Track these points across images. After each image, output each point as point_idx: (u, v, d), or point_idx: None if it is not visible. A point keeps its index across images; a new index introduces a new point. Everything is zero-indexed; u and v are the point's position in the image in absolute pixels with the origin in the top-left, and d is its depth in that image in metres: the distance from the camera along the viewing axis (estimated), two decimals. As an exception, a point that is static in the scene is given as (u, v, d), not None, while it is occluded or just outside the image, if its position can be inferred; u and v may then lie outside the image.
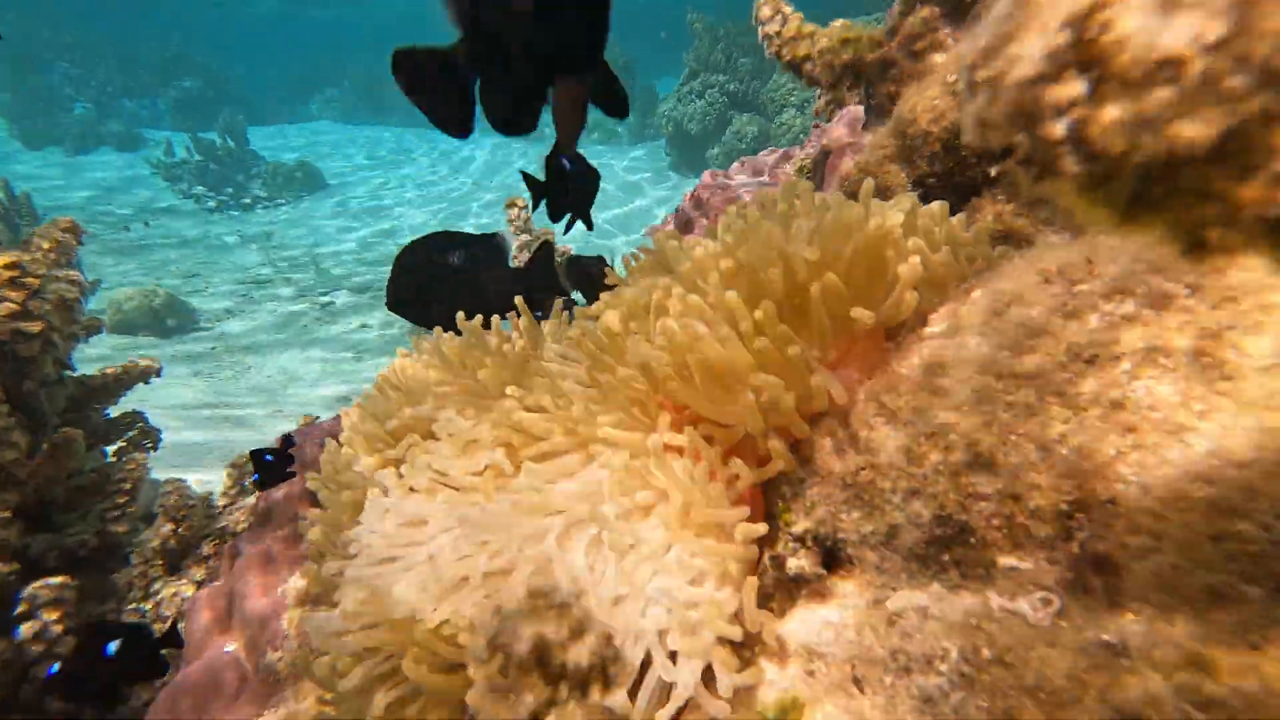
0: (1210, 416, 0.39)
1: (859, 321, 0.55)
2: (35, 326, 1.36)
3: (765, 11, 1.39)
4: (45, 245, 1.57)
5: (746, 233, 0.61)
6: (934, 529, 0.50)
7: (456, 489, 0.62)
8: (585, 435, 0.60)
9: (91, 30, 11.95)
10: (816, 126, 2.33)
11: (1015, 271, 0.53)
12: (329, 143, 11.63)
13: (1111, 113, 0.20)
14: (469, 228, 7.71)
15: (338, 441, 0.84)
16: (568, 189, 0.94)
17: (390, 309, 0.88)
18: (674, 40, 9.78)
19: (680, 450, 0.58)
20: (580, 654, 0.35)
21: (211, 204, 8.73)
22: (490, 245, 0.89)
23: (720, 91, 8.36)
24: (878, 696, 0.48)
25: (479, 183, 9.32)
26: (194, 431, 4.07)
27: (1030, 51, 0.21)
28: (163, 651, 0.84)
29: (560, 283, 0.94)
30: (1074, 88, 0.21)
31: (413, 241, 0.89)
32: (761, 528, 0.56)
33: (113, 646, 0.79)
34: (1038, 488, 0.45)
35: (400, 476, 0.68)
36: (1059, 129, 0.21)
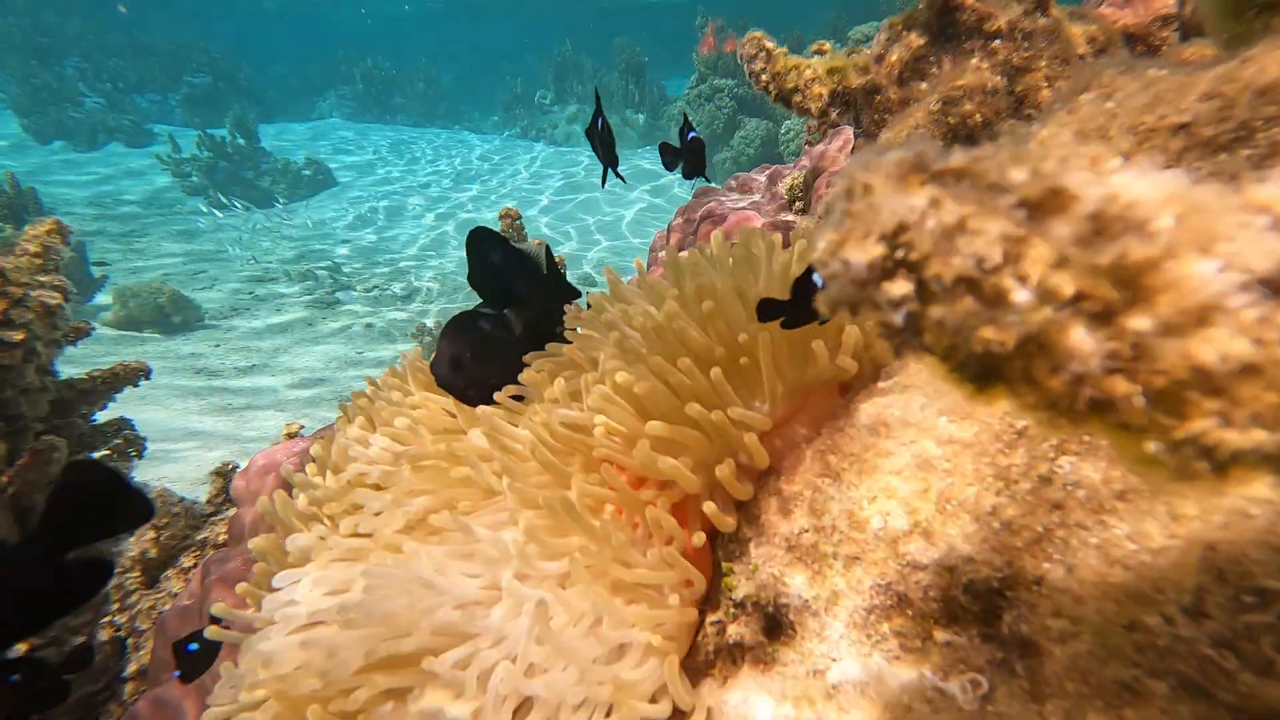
0: (1129, 498, 0.38)
1: (813, 372, 0.55)
2: (17, 335, 1.36)
3: (749, 49, 1.40)
4: (31, 249, 1.57)
5: (701, 287, 0.61)
6: (873, 597, 0.50)
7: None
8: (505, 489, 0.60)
9: (103, 25, 12.06)
10: (809, 144, 2.32)
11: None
12: (339, 141, 11.70)
13: (936, 312, 0.23)
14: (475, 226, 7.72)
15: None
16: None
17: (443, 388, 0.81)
18: (684, 39, 9.76)
19: (617, 509, 0.58)
20: None
21: (219, 201, 8.79)
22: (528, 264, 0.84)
23: (729, 95, 8.34)
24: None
25: (487, 184, 9.35)
26: (202, 419, 4.09)
27: (858, 256, 0.24)
28: (66, 677, 0.82)
29: (570, 286, 0.93)
30: (902, 287, 0.24)
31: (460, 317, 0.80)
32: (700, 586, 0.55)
33: (14, 677, 0.78)
34: (971, 560, 0.45)
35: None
36: (897, 318, 0.24)
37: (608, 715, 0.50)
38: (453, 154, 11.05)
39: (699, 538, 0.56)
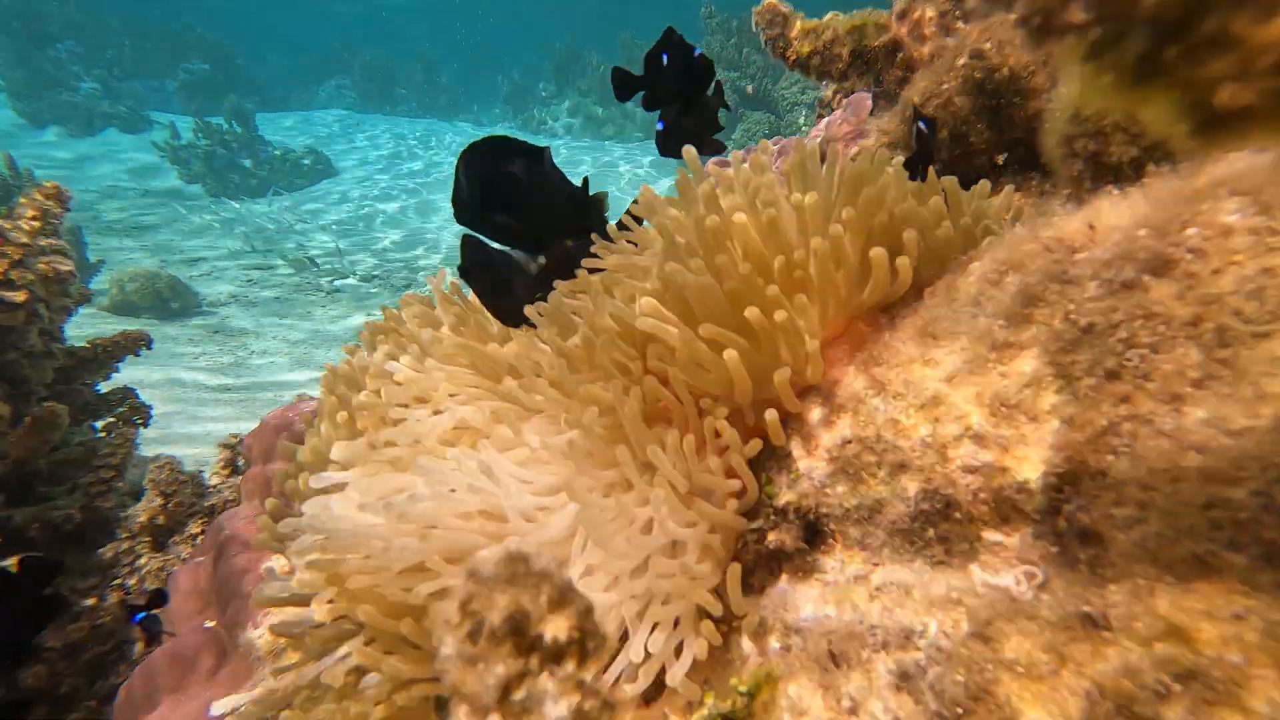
0: (1206, 385, 0.37)
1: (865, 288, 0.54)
2: (19, 296, 1.33)
3: (765, 16, 1.38)
4: (29, 213, 1.54)
5: (758, 193, 0.59)
6: (919, 504, 0.49)
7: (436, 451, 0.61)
8: (567, 396, 0.59)
9: (100, 8, 11.93)
10: (820, 117, 2.30)
11: (1016, 240, 0.52)
12: (339, 130, 11.61)
13: None
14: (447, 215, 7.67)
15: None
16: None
17: (461, 222, 0.80)
18: (688, 32, 9.71)
19: (668, 419, 0.57)
20: (559, 627, 0.34)
21: (218, 188, 8.73)
22: (545, 159, 0.81)
23: (731, 88, 8.30)
24: (853, 672, 0.47)
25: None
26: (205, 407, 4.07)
27: None
28: (48, 591, 0.81)
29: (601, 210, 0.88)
30: None
31: (472, 147, 0.80)
32: (750, 495, 0.55)
33: None
34: (1027, 460, 0.44)
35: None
36: None
37: (664, 603, 0.49)
38: (455, 145, 10.97)
39: (754, 445, 0.55)
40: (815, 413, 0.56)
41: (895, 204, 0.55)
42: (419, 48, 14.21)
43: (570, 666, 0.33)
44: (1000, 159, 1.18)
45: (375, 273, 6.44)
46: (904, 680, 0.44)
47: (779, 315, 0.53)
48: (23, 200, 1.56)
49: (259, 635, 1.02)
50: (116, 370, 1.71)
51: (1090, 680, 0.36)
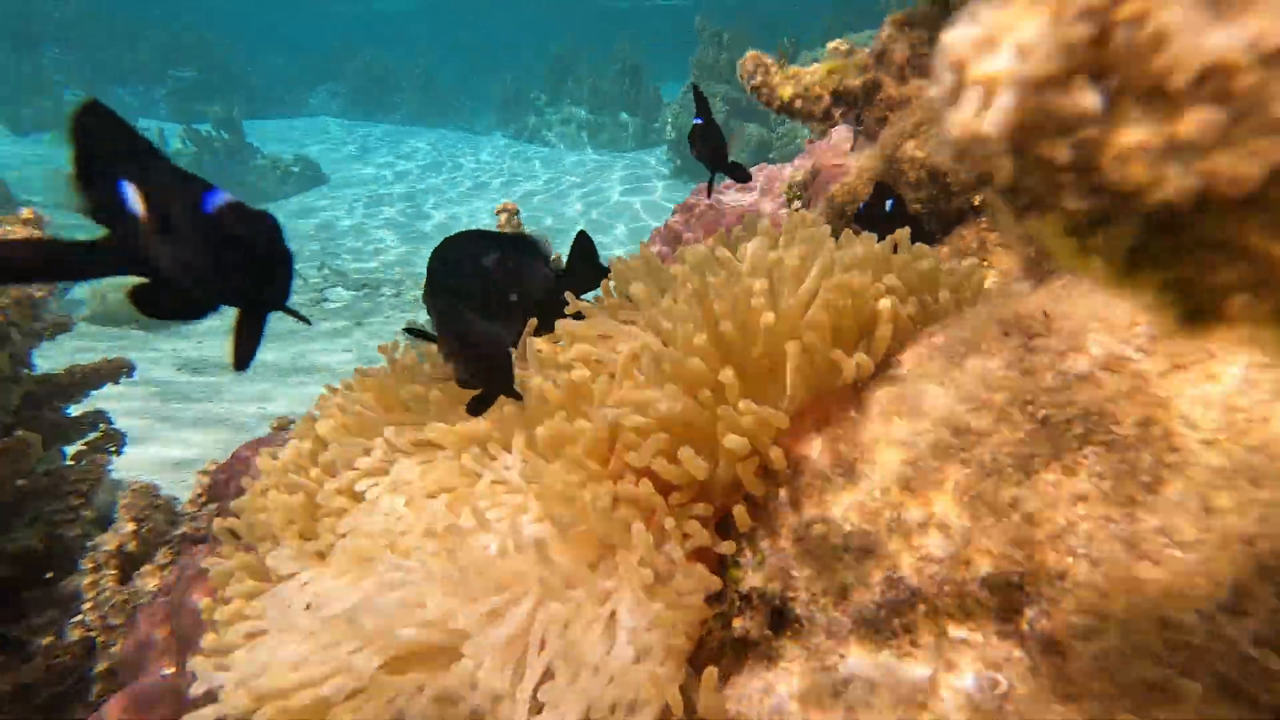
0: (1158, 489, 0.37)
1: (836, 370, 0.53)
2: None
3: (749, 66, 1.40)
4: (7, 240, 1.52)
5: (721, 286, 0.58)
6: (885, 592, 0.48)
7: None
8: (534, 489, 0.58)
9: (84, 13, 11.82)
10: (810, 143, 2.32)
11: (976, 319, 0.51)
12: (329, 138, 11.56)
13: (1134, 135, 0.15)
14: (472, 225, 7.67)
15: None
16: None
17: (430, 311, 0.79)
18: (681, 43, 9.79)
19: (635, 503, 0.55)
20: None
21: (204, 196, 8.63)
22: (526, 245, 0.81)
23: (724, 100, 8.36)
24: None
25: (479, 182, 9.29)
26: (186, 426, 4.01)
27: (1037, 46, 0.16)
28: None
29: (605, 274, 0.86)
30: (1086, 99, 0.15)
31: (446, 240, 0.81)
32: (712, 584, 0.54)
33: None
34: (989, 554, 0.43)
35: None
36: (1063, 152, 0.16)
37: (631, 714, 0.47)
38: (448, 151, 10.96)
39: (728, 546, 0.54)
40: (782, 492, 0.55)
41: (863, 285, 0.55)
42: (412, 54, 14.21)
43: None
44: (977, 200, 1.19)
45: (365, 285, 6.40)
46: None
47: (745, 412, 0.52)
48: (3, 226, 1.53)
49: (219, 686, 0.99)
50: (88, 395, 1.67)
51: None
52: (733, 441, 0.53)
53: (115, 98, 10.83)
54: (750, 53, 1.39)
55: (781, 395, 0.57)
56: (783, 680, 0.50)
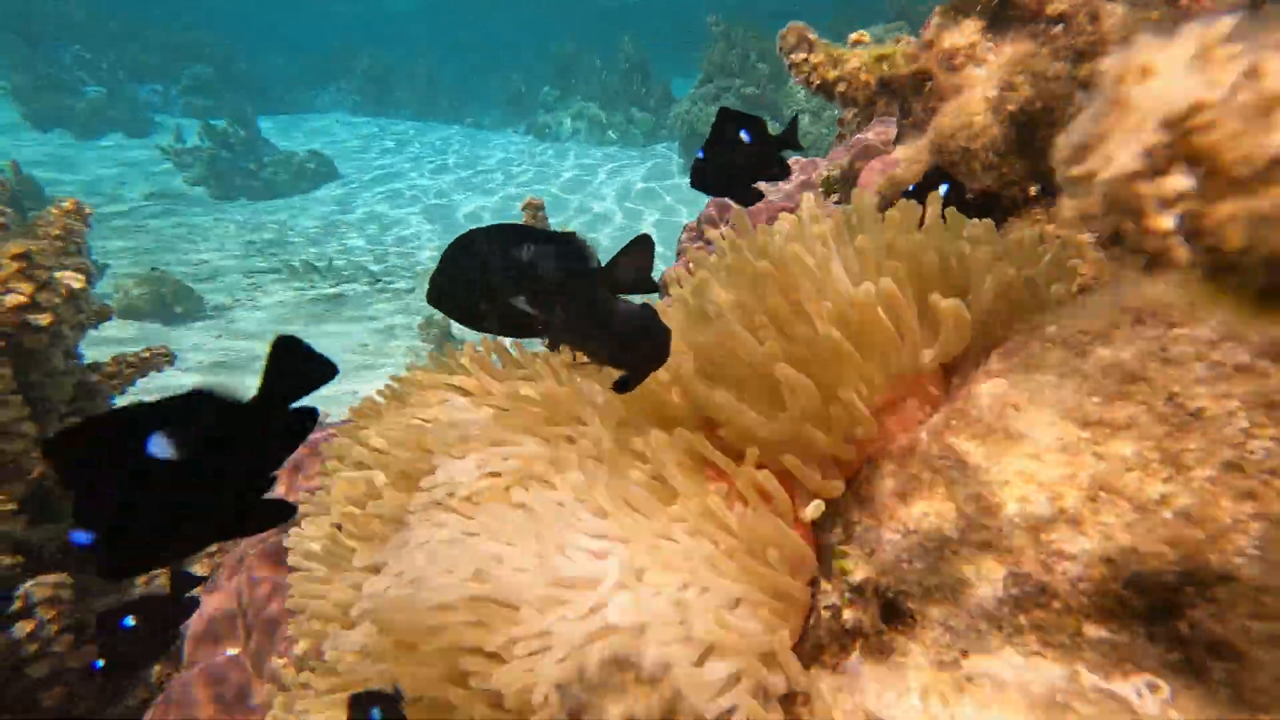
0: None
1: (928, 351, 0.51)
2: (44, 319, 1.33)
3: (790, 39, 1.36)
4: (53, 232, 1.53)
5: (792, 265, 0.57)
6: (1009, 588, 0.46)
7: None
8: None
9: (103, 12, 11.93)
10: (841, 136, 2.28)
11: (1098, 308, 0.49)
12: (342, 134, 11.61)
13: (1225, 208, 0.20)
14: (464, 219, 7.68)
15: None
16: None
17: (430, 303, 0.71)
18: (690, 39, 9.72)
19: (730, 484, 0.54)
20: None
21: (223, 192, 8.72)
22: (569, 245, 0.74)
23: (735, 95, 8.31)
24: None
25: (494, 177, 9.30)
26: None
27: (1126, 148, 0.21)
28: (188, 595, 0.80)
29: (652, 281, 0.78)
30: (1180, 182, 0.20)
31: (472, 231, 0.73)
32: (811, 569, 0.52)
33: (130, 620, 0.76)
34: (1134, 552, 0.41)
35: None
36: (1167, 221, 0.21)
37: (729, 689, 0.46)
38: (462, 150, 10.98)
39: (816, 507, 0.52)
40: (888, 482, 0.53)
41: (949, 252, 0.53)
42: (418, 52, 14.24)
43: None
44: (1033, 190, 1.16)
45: (381, 278, 6.43)
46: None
47: (839, 383, 0.50)
48: (44, 218, 1.54)
49: (283, 664, 1.00)
50: (134, 384, 1.69)
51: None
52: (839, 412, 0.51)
53: (133, 94, 10.93)
54: (793, 24, 1.34)
55: (871, 380, 0.55)
56: (898, 675, 0.48)
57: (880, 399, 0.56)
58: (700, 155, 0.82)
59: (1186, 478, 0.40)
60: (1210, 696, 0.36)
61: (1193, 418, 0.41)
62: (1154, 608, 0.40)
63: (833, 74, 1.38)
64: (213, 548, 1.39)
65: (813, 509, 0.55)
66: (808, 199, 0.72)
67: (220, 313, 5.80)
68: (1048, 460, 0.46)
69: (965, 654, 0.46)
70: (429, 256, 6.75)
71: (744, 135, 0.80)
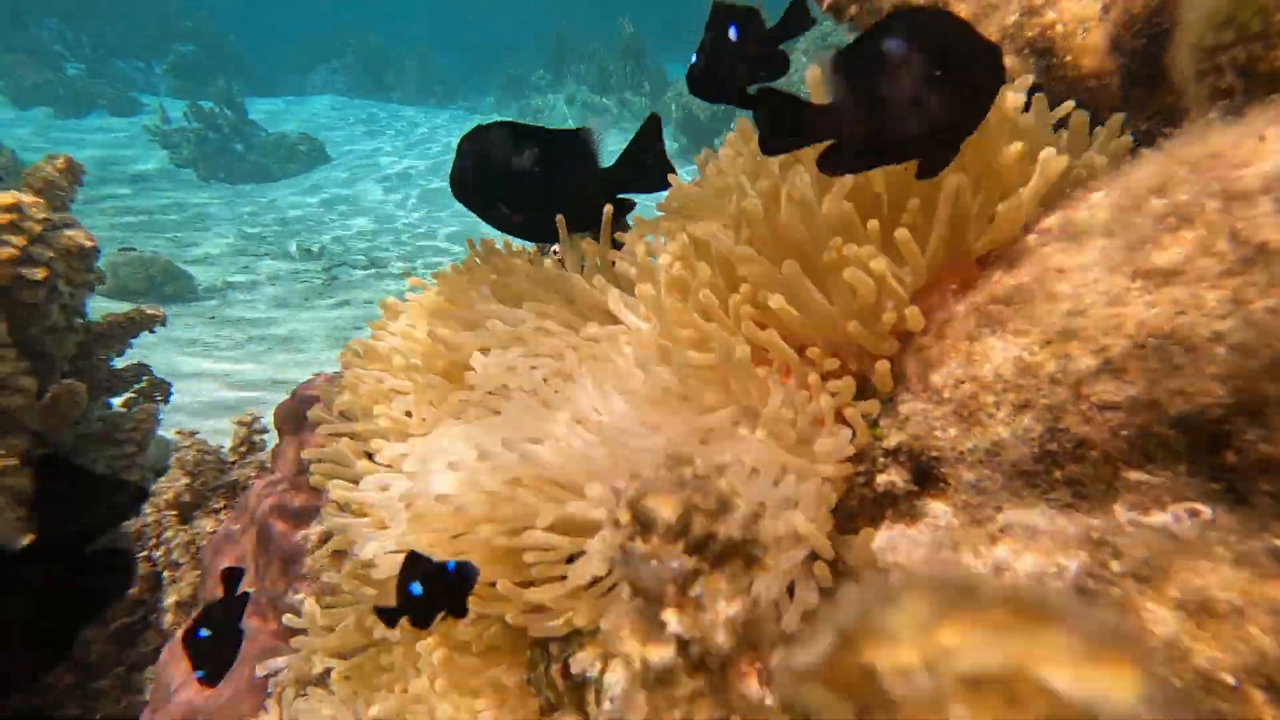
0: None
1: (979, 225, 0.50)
2: (39, 273, 1.31)
3: None
4: (36, 185, 1.50)
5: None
6: (1045, 444, 0.46)
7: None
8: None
9: (82, -16, 11.61)
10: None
11: (1153, 163, 0.49)
12: (332, 116, 11.42)
13: None
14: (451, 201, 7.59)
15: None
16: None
17: (457, 198, 0.75)
18: (686, 20, 9.59)
19: (768, 362, 0.54)
20: (731, 529, 0.32)
21: (211, 173, 8.57)
22: (573, 144, 0.73)
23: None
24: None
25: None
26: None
27: None
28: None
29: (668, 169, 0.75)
30: None
31: (477, 129, 0.74)
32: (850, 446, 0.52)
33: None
34: (1182, 393, 0.41)
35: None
36: None
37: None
38: (455, 130, 10.82)
39: (870, 405, 0.52)
40: (923, 355, 0.53)
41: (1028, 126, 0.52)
42: (411, 35, 13.98)
43: (738, 569, 0.30)
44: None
45: (375, 261, 6.36)
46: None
47: (876, 265, 0.49)
48: (34, 174, 1.51)
49: (300, 599, 1.01)
50: (130, 347, 1.67)
51: (1284, 615, 0.33)
52: (862, 285, 0.51)
53: (116, 72, 10.68)
54: None
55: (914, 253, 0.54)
56: (930, 533, 0.48)
57: (926, 280, 0.56)
58: (694, 59, 0.77)
59: (1245, 313, 0.40)
60: (1252, 513, 0.36)
61: (1259, 251, 0.40)
62: (1196, 445, 0.40)
63: None
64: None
65: (867, 406, 0.54)
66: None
67: (212, 294, 5.74)
68: (1092, 315, 0.46)
69: (999, 509, 0.46)
70: (422, 239, 6.69)
71: (733, 32, 0.73)
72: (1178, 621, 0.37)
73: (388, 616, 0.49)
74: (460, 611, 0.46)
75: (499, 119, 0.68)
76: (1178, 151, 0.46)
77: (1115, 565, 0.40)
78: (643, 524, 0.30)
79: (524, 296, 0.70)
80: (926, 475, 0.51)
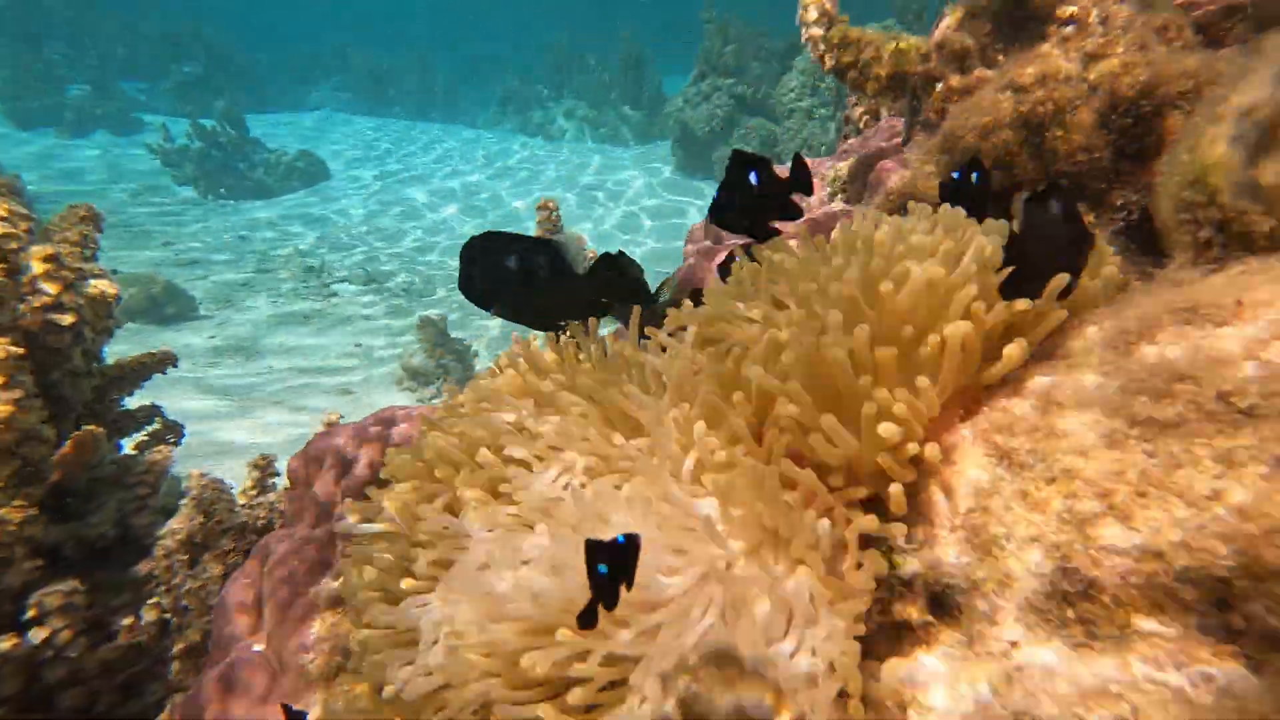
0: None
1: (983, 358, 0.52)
2: (67, 319, 1.33)
3: (812, 14, 1.36)
4: (72, 237, 1.53)
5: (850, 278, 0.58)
6: (1057, 582, 0.47)
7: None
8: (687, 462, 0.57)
9: (88, 7, 11.73)
10: (845, 137, 2.30)
11: (1140, 307, 0.51)
12: (334, 133, 11.51)
13: None
14: (481, 221, 7.65)
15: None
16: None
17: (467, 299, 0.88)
18: (685, 36, 9.71)
19: (793, 486, 0.55)
20: None
21: (211, 192, 8.62)
22: (551, 251, 0.82)
23: (729, 94, 8.32)
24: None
25: (490, 175, 9.25)
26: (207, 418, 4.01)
27: None
28: None
29: (644, 289, 0.87)
30: None
31: (472, 239, 0.85)
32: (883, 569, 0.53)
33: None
34: (1185, 547, 0.42)
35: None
36: None
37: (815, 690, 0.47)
38: (454, 147, 10.92)
39: (899, 528, 0.54)
40: (933, 483, 0.54)
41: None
42: (412, 50, 14.13)
43: None
44: (1041, 189, 1.18)
45: (375, 277, 6.39)
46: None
47: (898, 404, 0.51)
48: (59, 224, 1.54)
49: (311, 659, 1.01)
50: (141, 388, 1.68)
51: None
52: (887, 430, 0.53)
53: (120, 93, 10.76)
54: None
55: (921, 382, 0.56)
56: (946, 665, 0.49)
57: (943, 399, 0.57)
58: (718, 196, 0.82)
59: (1239, 474, 0.41)
60: (1269, 689, 0.37)
61: (1244, 416, 0.42)
62: (1205, 600, 0.41)
63: (847, 59, 1.38)
64: None
65: (897, 529, 0.55)
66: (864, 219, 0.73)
67: (214, 312, 5.74)
68: (1095, 457, 0.47)
69: (1015, 645, 0.48)
70: (422, 255, 6.72)
71: (752, 177, 0.78)
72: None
73: (588, 618, 0.49)
74: (631, 581, 0.48)
75: (490, 229, 0.77)
76: (1166, 299, 0.49)
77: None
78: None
79: (559, 403, 0.71)
80: (941, 604, 0.52)
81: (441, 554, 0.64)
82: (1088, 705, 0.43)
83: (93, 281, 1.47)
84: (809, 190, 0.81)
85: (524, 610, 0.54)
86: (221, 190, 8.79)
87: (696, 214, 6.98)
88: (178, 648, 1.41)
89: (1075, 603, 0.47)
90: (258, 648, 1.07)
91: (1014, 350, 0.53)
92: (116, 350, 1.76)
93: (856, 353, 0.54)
